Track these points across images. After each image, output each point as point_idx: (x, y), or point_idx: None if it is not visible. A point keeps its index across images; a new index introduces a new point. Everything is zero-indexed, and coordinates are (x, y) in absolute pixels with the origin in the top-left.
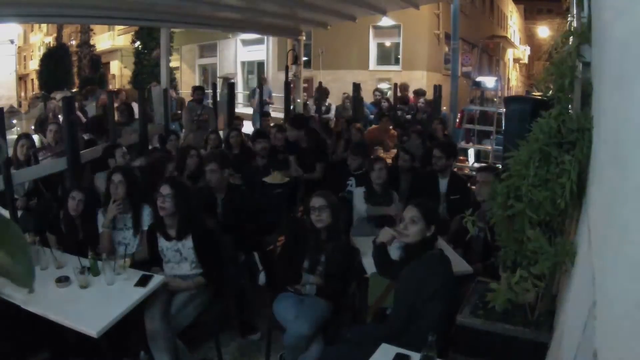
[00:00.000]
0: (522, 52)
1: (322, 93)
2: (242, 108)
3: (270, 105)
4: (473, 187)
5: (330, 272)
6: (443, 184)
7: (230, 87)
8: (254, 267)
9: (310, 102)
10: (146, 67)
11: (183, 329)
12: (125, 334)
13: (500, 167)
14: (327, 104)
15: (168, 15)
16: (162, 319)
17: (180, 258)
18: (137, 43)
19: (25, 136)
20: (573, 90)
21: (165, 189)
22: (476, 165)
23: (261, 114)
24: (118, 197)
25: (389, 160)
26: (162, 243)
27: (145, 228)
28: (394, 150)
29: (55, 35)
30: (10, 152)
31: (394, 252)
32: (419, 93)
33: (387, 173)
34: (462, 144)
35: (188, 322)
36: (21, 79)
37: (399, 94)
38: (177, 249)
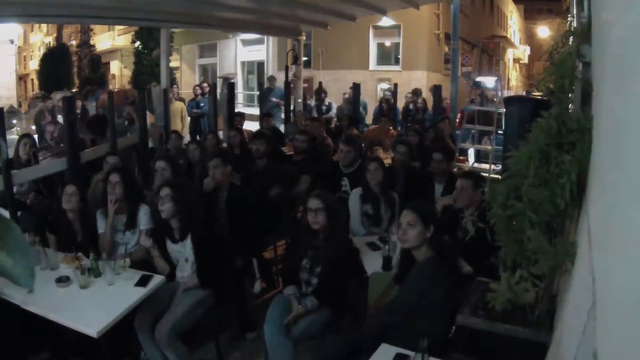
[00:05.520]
0: (522, 52)
1: (320, 92)
2: (242, 108)
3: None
4: None
5: (329, 273)
6: (439, 188)
7: (230, 87)
8: (251, 273)
9: (311, 102)
10: (146, 67)
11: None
12: (125, 334)
13: (501, 167)
14: (327, 104)
15: (168, 15)
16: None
17: (183, 259)
18: (137, 43)
19: (27, 136)
20: (573, 90)
21: (164, 191)
22: (476, 165)
23: (262, 114)
24: (115, 197)
25: (388, 161)
26: (169, 246)
27: (142, 228)
28: None
29: (55, 35)
30: (11, 152)
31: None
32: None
33: (383, 173)
34: (462, 144)
35: (191, 324)
36: (21, 79)
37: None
38: (180, 250)
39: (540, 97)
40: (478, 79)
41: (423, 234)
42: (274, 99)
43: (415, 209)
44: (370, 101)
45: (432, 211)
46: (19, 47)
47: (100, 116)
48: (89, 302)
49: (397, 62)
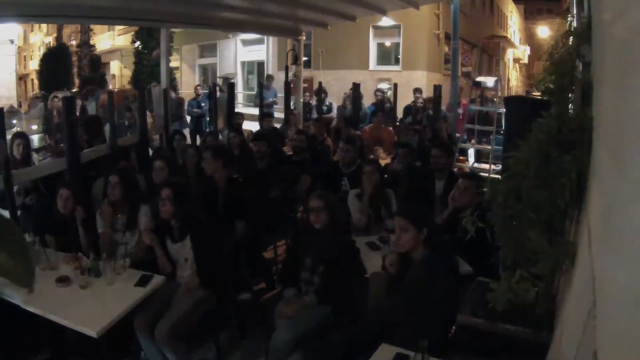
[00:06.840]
0: (522, 52)
1: (320, 92)
2: (242, 108)
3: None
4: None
5: (331, 272)
6: (439, 185)
7: (230, 87)
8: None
9: (312, 102)
10: (146, 67)
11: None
12: (125, 334)
13: (500, 167)
14: (327, 104)
15: (168, 15)
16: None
17: (183, 259)
18: (137, 43)
19: (20, 135)
20: (573, 90)
21: (165, 192)
22: (476, 165)
23: (262, 114)
24: (115, 198)
25: (388, 160)
26: (169, 245)
27: (142, 228)
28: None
29: (55, 35)
30: None
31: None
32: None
33: (380, 175)
34: (462, 144)
35: (191, 324)
36: (21, 79)
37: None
38: (180, 250)
39: (540, 97)
40: (478, 79)
41: (416, 237)
42: (271, 99)
43: (405, 214)
44: (369, 102)
45: (423, 214)
46: (19, 47)
47: (94, 118)
48: (89, 302)
49: (397, 62)
